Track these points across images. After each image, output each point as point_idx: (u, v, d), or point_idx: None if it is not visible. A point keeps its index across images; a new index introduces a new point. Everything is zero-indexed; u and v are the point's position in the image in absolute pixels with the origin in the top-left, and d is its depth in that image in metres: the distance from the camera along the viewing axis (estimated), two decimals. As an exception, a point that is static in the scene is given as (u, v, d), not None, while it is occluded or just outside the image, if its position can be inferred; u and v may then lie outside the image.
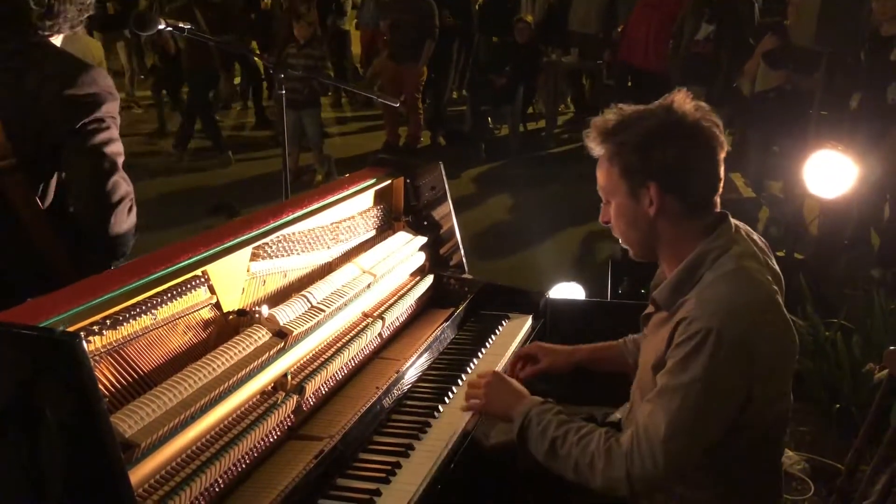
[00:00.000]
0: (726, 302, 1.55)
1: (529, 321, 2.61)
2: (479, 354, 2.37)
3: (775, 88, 5.82)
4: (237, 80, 10.07)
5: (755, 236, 1.77)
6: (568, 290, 3.93)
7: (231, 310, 1.84)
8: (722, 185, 1.67)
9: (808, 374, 3.43)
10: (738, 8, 6.77)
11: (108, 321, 1.48)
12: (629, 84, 7.95)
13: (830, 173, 3.69)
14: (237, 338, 1.74)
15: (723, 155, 1.64)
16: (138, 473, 1.38)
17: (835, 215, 5.01)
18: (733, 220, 1.71)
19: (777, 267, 1.74)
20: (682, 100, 1.64)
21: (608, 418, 2.05)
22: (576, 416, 1.86)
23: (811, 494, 3.00)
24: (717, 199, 1.68)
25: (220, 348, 1.69)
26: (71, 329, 1.36)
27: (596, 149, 1.71)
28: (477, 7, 9.67)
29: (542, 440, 1.72)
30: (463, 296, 2.66)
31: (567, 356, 2.19)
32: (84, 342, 1.26)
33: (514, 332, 2.54)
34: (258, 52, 8.35)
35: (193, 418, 1.54)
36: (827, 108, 4.79)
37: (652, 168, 1.61)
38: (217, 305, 1.80)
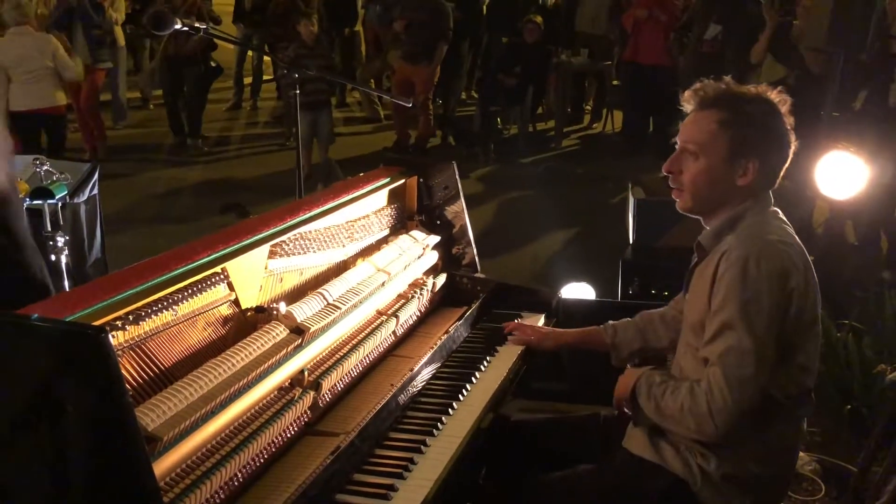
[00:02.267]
0: (761, 235, 1.76)
1: (542, 320, 2.62)
2: (493, 353, 2.39)
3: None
4: (248, 81, 10.09)
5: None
6: (578, 290, 3.94)
7: (249, 306, 1.86)
8: None
9: (818, 375, 3.42)
10: (746, 8, 6.77)
11: (130, 316, 1.51)
12: (639, 82, 7.98)
13: (842, 174, 3.68)
14: (255, 334, 1.76)
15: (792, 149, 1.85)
16: (161, 466, 1.41)
17: (843, 216, 5.00)
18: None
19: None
20: (778, 98, 1.85)
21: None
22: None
23: (822, 495, 3.00)
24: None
25: (239, 344, 1.71)
26: (95, 324, 1.38)
27: (697, 105, 1.84)
28: (485, 7, 9.68)
29: (649, 402, 1.85)
30: (475, 295, 2.67)
31: (556, 338, 2.42)
32: (109, 337, 1.28)
33: (527, 331, 2.55)
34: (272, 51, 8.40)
35: (213, 413, 1.56)
36: (835, 109, 4.78)
37: (764, 146, 1.81)
38: (236, 302, 1.82)
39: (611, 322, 2.29)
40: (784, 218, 1.88)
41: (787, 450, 1.88)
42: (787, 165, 1.88)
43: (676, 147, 1.89)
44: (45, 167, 3.41)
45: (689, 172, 1.84)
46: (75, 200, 3.77)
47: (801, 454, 3.14)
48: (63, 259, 3.29)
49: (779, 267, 1.71)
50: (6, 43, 6.16)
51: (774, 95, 1.86)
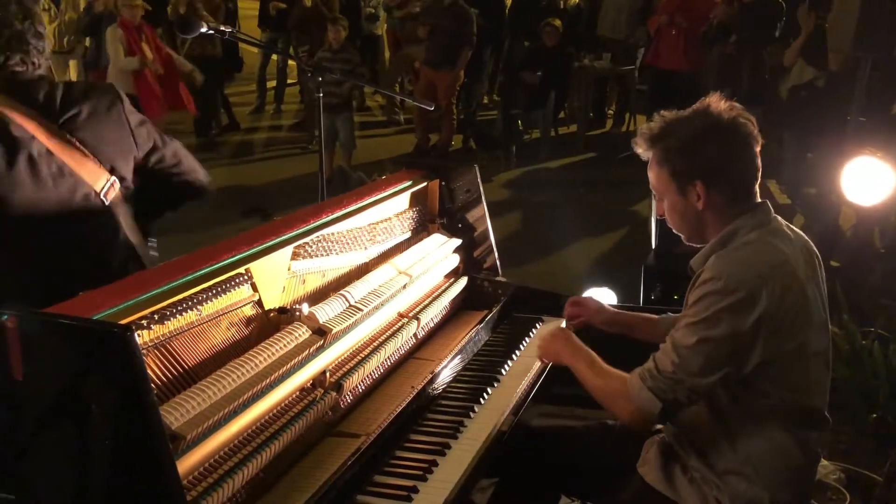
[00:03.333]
0: (738, 260, 1.74)
1: (563, 325, 2.61)
2: (513, 356, 2.38)
3: (806, 85, 5.77)
4: (272, 84, 10.17)
5: (794, 228, 1.89)
6: (599, 295, 3.92)
7: (272, 307, 1.87)
8: (760, 174, 1.83)
9: (843, 383, 3.39)
10: (759, 15, 6.73)
11: (155, 316, 1.52)
12: (661, 87, 7.94)
13: (868, 180, 3.64)
14: (278, 335, 1.77)
15: (758, 148, 1.81)
16: (184, 464, 1.42)
17: (870, 223, 4.94)
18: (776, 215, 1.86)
19: (816, 253, 1.87)
20: (717, 101, 1.80)
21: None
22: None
23: (846, 504, 2.97)
24: (757, 188, 1.84)
25: (262, 345, 1.72)
26: (122, 323, 1.40)
27: (644, 153, 1.88)
28: (507, 10, 9.69)
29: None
30: (496, 298, 2.67)
31: (610, 316, 2.35)
32: (135, 335, 1.29)
33: (548, 335, 2.54)
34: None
35: (236, 412, 1.57)
36: (866, 114, 4.72)
37: (696, 168, 1.78)
38: (259, 303, 1.84)
39: (670, 314, 2.26)
40: (788, 232, 1.82)
41: (800, 475, 1.84)
42: (758, 167, 1.81)
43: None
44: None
45: (666, 214, 1.91)
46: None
47: (825, 462, 3.10)
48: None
49: (747, 290, 1.68)
50: None
51: (713, 105, 1.80)
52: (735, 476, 1.79)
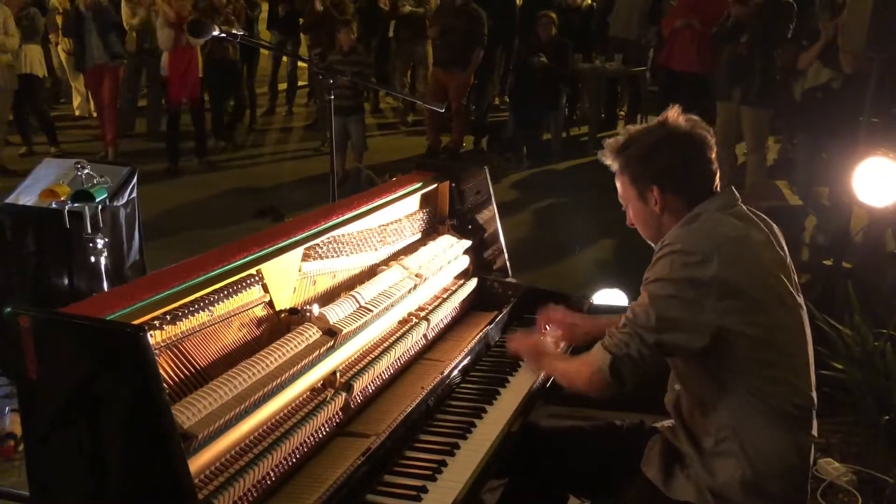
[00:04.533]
0: (696, 230, 1.83)
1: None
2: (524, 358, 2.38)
3: (822, 86, 5.73)
4: (283, 87, 10.21)
5: (763, 216, 1.95)
6: (610, 297, 3.92)
7: (283, 308, 1.89)
8: (716, 178, 1.92)
9: (856, 385, 3.37)
10: (771, 19, 6.69)
11: (168, 316, 1.54)
12: (673, 88, 7.91)
13: (881, 181, 3.62)
14: (289, 335, 1.79)
15: (713, 154, 1.91)
16: (196, 463, 1.44)
17: (883, 224, 4.91)
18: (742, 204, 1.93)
19: (783, 246, 1.91)
20: (675, 115, 1.92)
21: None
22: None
23: (858, 507, 2.95)
24: (716, 189, 1.92)
25: (273, 345, 1.74)
26: (135, 323, 1.41)
27: (611, 164, 2.00)
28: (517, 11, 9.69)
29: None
30: (506, 299, 2.68)
31: (584, 330, 2.37)
32: (148, 336, 1.31)
33: (558, 336, 2.54)
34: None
35: (247, 412, 1.59)
36: (879, 115, 4.70)
37: (652, 174, 1.90)
38: (270, 304, 1.85)
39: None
40: (754, 218, 1.89)
41: (788, 454, 1.83)
42: (713, 171, 1.89)
43: None
44: (86, 171, 3.49)
45: (633, 221, 2.00)
46: (115, 204, 3.84)
47: (837, 465, 3.09)
48: (102, 261, 3.36)
49: (700, 257, 1.75)
50: None
51: (671, 118, 1.91)
52: (722, 457, 1.81)
